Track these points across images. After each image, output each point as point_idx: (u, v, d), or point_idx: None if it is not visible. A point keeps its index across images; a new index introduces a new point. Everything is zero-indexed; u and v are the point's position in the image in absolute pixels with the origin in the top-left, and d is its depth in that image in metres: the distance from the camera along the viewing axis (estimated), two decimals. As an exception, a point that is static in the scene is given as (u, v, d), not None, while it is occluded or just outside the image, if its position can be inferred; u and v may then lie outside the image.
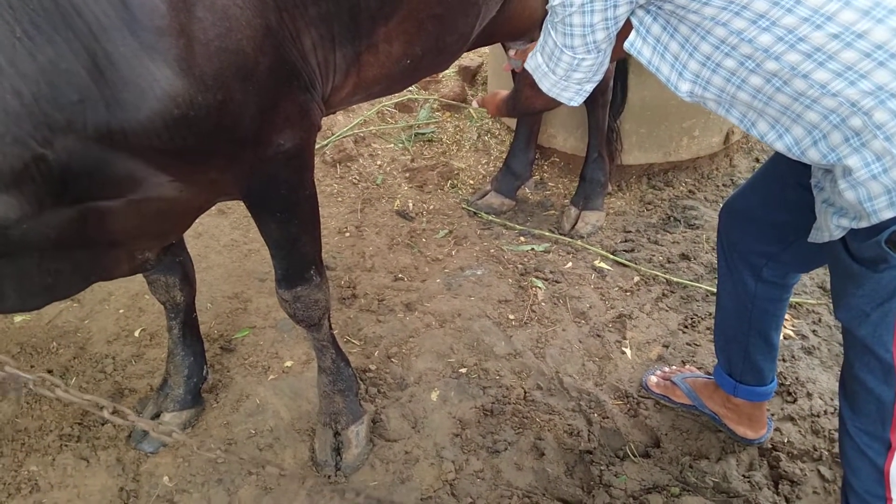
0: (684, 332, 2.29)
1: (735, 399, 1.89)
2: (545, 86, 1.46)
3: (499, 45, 2.47)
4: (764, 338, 1.79)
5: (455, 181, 3.04)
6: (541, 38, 1.45)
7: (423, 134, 3.27)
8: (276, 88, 1.32)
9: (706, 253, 2.60)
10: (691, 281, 2.46)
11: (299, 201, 1.53)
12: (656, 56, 1.35)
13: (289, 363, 2.22)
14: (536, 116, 2.77)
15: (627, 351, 2.24)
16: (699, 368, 2.16)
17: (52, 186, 1.13)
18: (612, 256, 2.58)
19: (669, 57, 1.33)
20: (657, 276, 2.49)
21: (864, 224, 1.19)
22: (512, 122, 3.23)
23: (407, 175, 3.08)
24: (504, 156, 3.14)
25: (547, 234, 2.72)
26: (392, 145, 3.24)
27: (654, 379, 2.09)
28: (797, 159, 1.27)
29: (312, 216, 1.61)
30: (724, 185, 2.97)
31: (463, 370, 2.20)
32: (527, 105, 1.76)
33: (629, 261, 2.56)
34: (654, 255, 2.59)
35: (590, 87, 1.46)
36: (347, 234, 2.76)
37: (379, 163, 3.15)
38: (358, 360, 2.23)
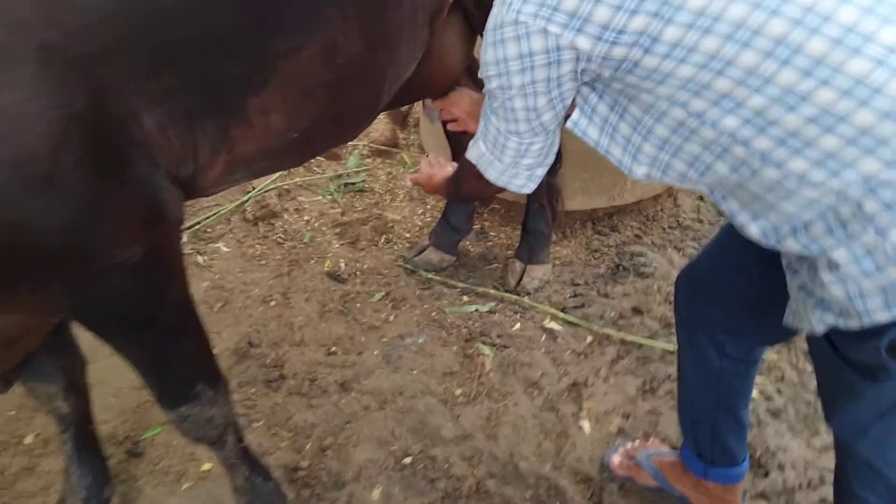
0: (644, 399, 2.13)
1: (706, 483, 1.73)
2: (492, 175, 1.28)
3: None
4: (733, 416, 1.64)
5: (390, 235, 2.82)
6: (480, 124, 1.27)
7: (354, 184, 3.04)
8: (97, 189, 1.08)
9: (659, 305, 2.45)
10: (646, 338, 2.31)
11: (158, 317, 1.28)
12: (605, 137, 1.18)
13: (207, 465, 1.94)
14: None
15: (585, 424, 2.06)
16: (663, 441, 1.99)
17: None
18: (562, 315, 2.40)
19: (620, 139, 1.16)
20: (610, 335, 2.33)
21: (853, 324, 1.03)
22: (448, 169, 3.04)
23: (337, 231, 2.84)
24: (441, 204, 2.94)
25: (491, 291, 2.53)
26: (320, 197, 3.01)
27: (616, 459, 1.91)
28: (772, 248, 1.11)
29: (184, 329, 1.36)
30: (670, 227, 2.85)
31: (407, 460, 1.97)
32: (472, 193, 1.58)
33: (580, 318, 2.39)
34: (605, 311, 2.43)
35: (542, 172, 1.29)
36: (273, 303, 2.50)
37: (306, 218, 2.90)
38: (287, 456, 1.97)
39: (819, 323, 1.07)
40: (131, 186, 1.15)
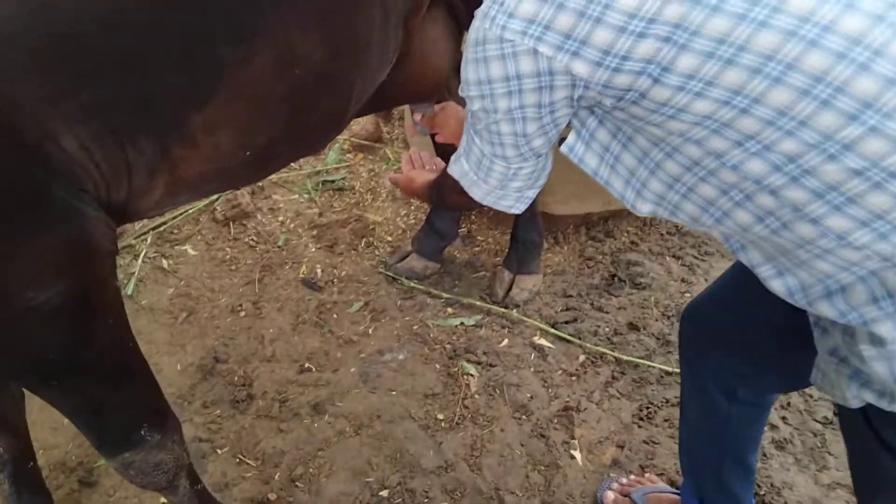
0: (640, 427, 1.98)
1: (709, 529, 1.59)
2: (476, 195, 1.14)
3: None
4: (740, 463, 1.50)
5: (370, 238, 2.64)
6: (463, 141, 1.11)
7: (333, 181, 2.85)
8: (6, 225, 0.95)
9: (656, 320, 2.30)
10: (642, 358, 2.16)
11: (90, 364, 1.13)
12: (605, 167, 1.03)
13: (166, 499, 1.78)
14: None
15: (577, 455, 1.91)
16: (660, 475, 1.85)
17: None
18: (553, 331, 2.25)
19: (623, 171, 1.01)
20: (604, 353, 2.17)
21: None
22: (433, 167, 2.86)
23: (314, 233, 2.66)
24: (425, 208, 2.76)
25: (478, 303, 2.37)
26: (296, 196, 2.82)
27: (610, 496, 1.76)
28: (801, 308, 0.95)
29: (123, 373, 1.20)
30: (668, 232, 2.69)
31: (384, 493, 1.81)
32: (454, 207, 1.43)
33: (572, 335, 2.24)
34: (599, 326, 2.27)
35: (533, 193, 1.14)
36: (243, 314, 2.32)
37: (281, 219, 2.71)
38: (254, 488, 1.81)
39: (855, 399, 0.92)
40: (49, 219, 1.00)
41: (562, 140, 1.08)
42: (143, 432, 1.28)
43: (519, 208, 1.17)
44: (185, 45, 1.06)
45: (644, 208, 1.02)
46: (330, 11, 1.24)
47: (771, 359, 1.26)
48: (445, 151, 2.36)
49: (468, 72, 0.98)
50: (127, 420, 1.26)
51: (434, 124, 1.66)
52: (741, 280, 1.30)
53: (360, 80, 1.41)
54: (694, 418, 1.51)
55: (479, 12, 0.95)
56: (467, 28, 1.73)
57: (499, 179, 1.09)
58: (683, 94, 0.84)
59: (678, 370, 2.10)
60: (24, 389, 1.40)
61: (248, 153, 1.28)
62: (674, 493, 1.72)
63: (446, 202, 1.41)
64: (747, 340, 1.26)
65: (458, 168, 1.16)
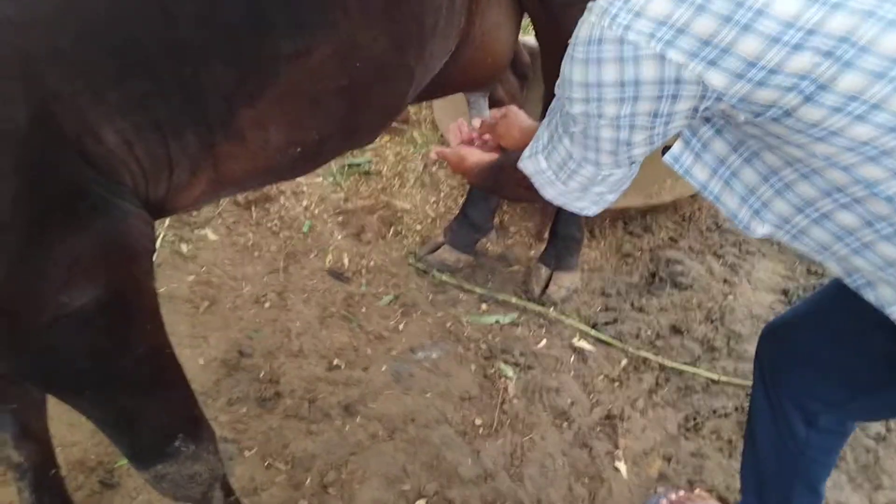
0: (687, 438, 1.89)
1: (769, 554, 1.51)
2: (548, 194, 1.06)
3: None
4: (812, 490, 1.42)
5: (399, 227, 2.53)
6: (543, 137, 1.02)
7: (358, 165, 2.73)
8: (41, 226, 0.87)
9: (699, 324, 2.21)
10: (687, 364, 2.07)
11: (124, 372, 1.05)
12: (717, 182, 0.92)
13: None
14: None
15: (622, 467, 1.83)
16: (709, 491, 1.77)
17: None
18: (593, 332, 2.15)
19: (740, 187, 0.90)
20: (648, 359, 2.08)
21: None
22: (465, 153, 2.73)
23: (340, 220, 2.54)
24: (457, 192, 2.65)
25: (513, 300, 2.26)
26: (321, 179, 2.69)
27: (660, 513, 1.69)
28: None
29: (158, 381, 1.13)
30: (708, 229, 2.59)
31: (421, 502, 1.73)
32: (513, 197, 1.33)
33: (613, 337, 2.14)
34: (640, 329, 2.18)
35: (612, 198, 1.05)
36: (267, 304, 2.21)
37: (305, 203, 2.59)
38: (284, 494, 1.72)
39: None
40: (86, 219, 0.91)
41: (665, 148, 0.98)
42: (177, 443, 1.20)
43: (593, 211, 1.08)
44: (237, 35, 0.96)
45: (760, 230, 0.92)
46: None
47: (867, 387, 1.17)
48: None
49: (573, 72, 0.87)
50: (161, 430, 1.19)
51: (494, 133, 1.51)
52: (833, 304, 1.21)
53: (421, 71, 1.30)
54: (765, 440, 1.41)
55: (594, 6, 0.83)
56: (528, 9, 1.61)
57: (581, 183, 1.00)
58: (841, 117, 0.73)
59: (724, 378, 2.02)
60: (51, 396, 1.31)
61: (298, 150, 1.18)
62: (728, 512, 1.65)
63: (504, 192, 1.34)
64: (846, 368, 1.16)
65: (533, 164, 1.06)
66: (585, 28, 0.84)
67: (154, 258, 2.04)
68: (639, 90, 0.82)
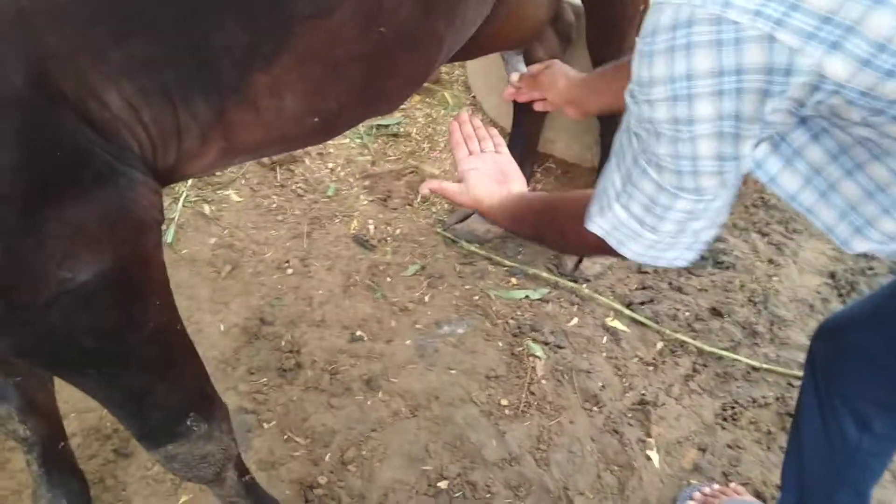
0: (724, 428, 1.80)
1: (808, 558, 1.43)
2: (633, 249, 0.88)
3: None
4: (859, 494, 1.32)
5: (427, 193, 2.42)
6: (614, 184, 0.85)
7: (386, 126, 2.62)
8: (41, 197, 0.80)
9: (742, 307, 2.09)
10: (727, 350, 1.96)
11: (132, 351, 0.98)
12: (810, 193, 0.79)
13: (209, 475, 1.65)
14: (537, 122, 2.17)
15: (654, 455, 1.74)
16: (745, 485, 1.68)
17: None
18: (628, 312, 2.05)
19: (839, 202, 0.77)
20: (685, 342, 1.98)
21: None
22: (500, 117, 2.61)
23: (366, 184, 2.44)
24: (488, 161, 2.53)
25: (544, 274, 2.16)
26: (347, 140, 2.59)
27: (693, 507, 1.61)
28: None
29: (168, 359, 1.06)
30: (753, 205, 2.45)
31: (443, 484, 1.67)
32: (560, 249, 1.17)
33: (649, 318, 2.04)
34: (678, 310, 2.07)
35: (709, 235, 0.86)
36: (290, 271, 2.14)
37: (331, 165, 2.50)
38: (302, 469, 1.68)
39: None
40: (90, 187, 0.84)
41: None
42: (188, 422, 1.15)
43: (688, 258, 0.89)
44: None
45: (861, 247, 0.79)
46: None
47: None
48: (525, 116, 2.13)
49: (652, 66, 0.71)
50: (171, 410, 1.13)
51: (537, 85, 1.41)
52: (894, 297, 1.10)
53: (451, 37, 1.19)
54: (812, 442, 1.32)
55: None
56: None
57: (678, 222, 0.81)
58: None
59: (766, 366, 1.91)
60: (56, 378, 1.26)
61: (314, 119, 1.09)
62: (765, 510, 1.56)
63: (548, 242, 1.15)
64: None
65: (608, 221, 0.88)
66: (668, 12, 0.69)
67: (171, 224, 1.96)
68: (741, 80, 0.66)
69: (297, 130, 1.10)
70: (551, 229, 1.05)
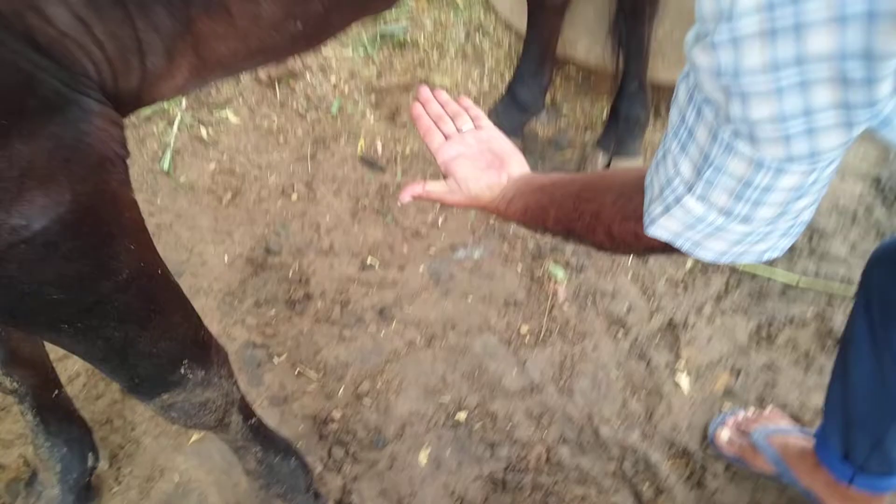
0: (758, 350, 1.70)
1: (849, 488, 1.35)
2: (715, 249, 0.69)
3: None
4: (907, 430, 1.22)
5: (437, 107, 2.26)
6: (681, 171, 0.65)
7: (392, 35, 2.42)
8: None
9: (779, 219, 1.94)
10: (764, 267, 1.83)
11: (105, 299, 0.88)
12: None
13: (220, 414, 1.60)
14: (554, 26, 1.96)
15: (683, 380, 1.66)
16: (783, 408, 1.59)
17: None
18: (655, 229, 1.91)
19: None
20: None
21: None
22: (515, 22, 2.39)
23: (372, 98, 2.28)
24: (503, 66, 2.34)
25: (565, 191, 2.02)
26: (350, 51, 2.40)
27: (724, 434, 1.53)
28: None
29: (150, 305, 0.96)
30: (793, 107, 2.24)
31: (461, 415, 1.61)
32: (615, 252, 0.94)
33: (678, 234, 1.90)
34: (710, 225, 1.93)
35: (809, 215, 0.68)
36: (294, 196, 2.02)
37: (333, 80, 2.32)
38: (316, 403, 1.62)
39: None
40: (37, 119, 0.72)
41: None
42: (182, 370, 1.07)
43: (782, 248, 0.71)
44: None
45: None
46: None
47: None
48: (540, 14, 1.90)
49: (743, 56, 0.52)
50: (162, 359, 1.04)
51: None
52: None
53: None
54: (862, 377, 1.21)
55: None
56: None
57: (779, 204, 0.62)
58: None
59: (804, 282, 1.78)
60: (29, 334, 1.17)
61: (297, 24, 0.94)
62: (803, 434, 1.47)
63: (576, 236, 0.90)
64: None
65: (679, 219, 0.68)
66: None
67: (167, 150, 1.82)
68: (873, 68, 0.47)
69: (278, 39, 0.95)
70: (588, 230, 0.84)
